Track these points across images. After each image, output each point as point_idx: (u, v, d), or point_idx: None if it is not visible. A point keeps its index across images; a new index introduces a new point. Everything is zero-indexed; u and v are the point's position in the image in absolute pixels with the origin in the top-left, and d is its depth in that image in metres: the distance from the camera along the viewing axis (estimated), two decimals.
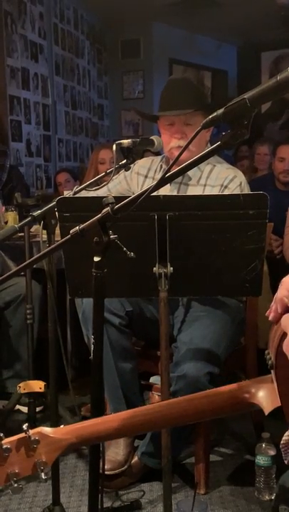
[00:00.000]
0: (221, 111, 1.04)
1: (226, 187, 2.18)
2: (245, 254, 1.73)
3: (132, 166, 2.00)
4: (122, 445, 2.23)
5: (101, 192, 2.10)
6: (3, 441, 0.91)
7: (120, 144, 1.88)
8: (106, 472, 2.11)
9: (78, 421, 1.05)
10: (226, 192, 2.16)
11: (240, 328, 2.32)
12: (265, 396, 0.93)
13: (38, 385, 2.48)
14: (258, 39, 7.82)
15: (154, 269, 1.67)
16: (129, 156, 1.88)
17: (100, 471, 1.43)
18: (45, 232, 1.77)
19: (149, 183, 2.21)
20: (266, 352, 0.94)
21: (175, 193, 2.24)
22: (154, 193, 1.22)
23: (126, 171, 2.02)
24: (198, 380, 1.99)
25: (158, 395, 2.28)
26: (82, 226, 1.27)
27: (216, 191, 2.18)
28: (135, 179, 2.37)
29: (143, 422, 0.97)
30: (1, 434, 0.91)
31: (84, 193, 1.98)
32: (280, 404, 0.90)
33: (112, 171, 1.84)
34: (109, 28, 7.16)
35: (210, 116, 1.08)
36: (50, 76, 5.82)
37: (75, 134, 6.51)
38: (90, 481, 1.43)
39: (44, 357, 1.98)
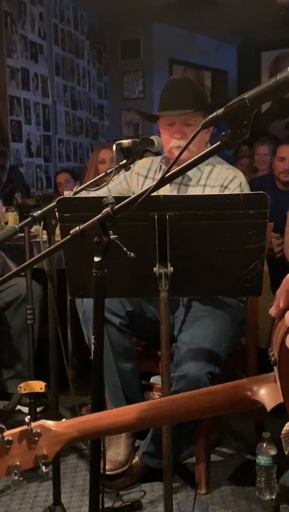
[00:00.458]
0: (220, 111, 1.05)
1: (226, 187, 2.18)
2: (245, 254, 1.73)
3: (131, 166, 2.00)
4: (122, 445, 2.23)
5: (101, 192, 2.10)
6: (4, 433, 0.90)
7: (120, 144, 1.87)
8: (107, 472, 2.10)
9: None
10: (226, 192, 2.15)
11: (241, 328, 2.32)
12: (266, 393, 0.93)
13: (38, 386, 2.47)
14: (258, 39, 7.82)
15: (155, 269, 1.67)
16: (129, 156, 1.88)
17: (101, 471, 1.44)
18: (45, 232, 1.77)
19: (149, 184, 2.20)
20: (269, 349, 0.94)
21: (175, 194, 2.24)
22: (154, 193, 1.22)
23: (126, 171, 2.01)
24: (199, 379, 1.99)
25: (159, 395, 2.28)
26: (82, 226, 1.27)
27: (215, 192, 2.18)
28: (135, 180, 2.37)
29: (144, 418, 0.96)
30: (3, 426, 0.90)
31: (84, 194, 1.98)
32: (282, 400, 0.90)
33: (112, 171, 1.84)
34: (109, 28, 7.16)
35: (210, 116, 1.08)
36: (50, 76, 5.82)
37: (75, 134, 6.51)
38: (90, 481, 1.43)
39: (45, 357, 1.98)
